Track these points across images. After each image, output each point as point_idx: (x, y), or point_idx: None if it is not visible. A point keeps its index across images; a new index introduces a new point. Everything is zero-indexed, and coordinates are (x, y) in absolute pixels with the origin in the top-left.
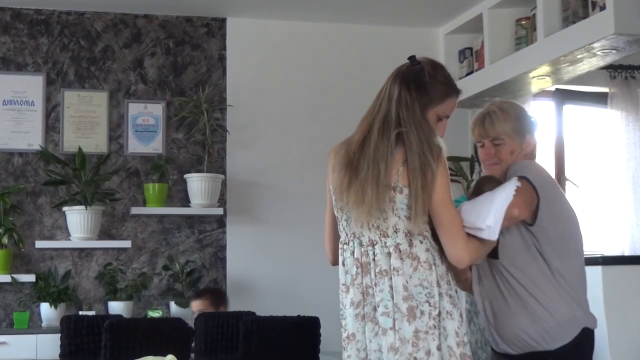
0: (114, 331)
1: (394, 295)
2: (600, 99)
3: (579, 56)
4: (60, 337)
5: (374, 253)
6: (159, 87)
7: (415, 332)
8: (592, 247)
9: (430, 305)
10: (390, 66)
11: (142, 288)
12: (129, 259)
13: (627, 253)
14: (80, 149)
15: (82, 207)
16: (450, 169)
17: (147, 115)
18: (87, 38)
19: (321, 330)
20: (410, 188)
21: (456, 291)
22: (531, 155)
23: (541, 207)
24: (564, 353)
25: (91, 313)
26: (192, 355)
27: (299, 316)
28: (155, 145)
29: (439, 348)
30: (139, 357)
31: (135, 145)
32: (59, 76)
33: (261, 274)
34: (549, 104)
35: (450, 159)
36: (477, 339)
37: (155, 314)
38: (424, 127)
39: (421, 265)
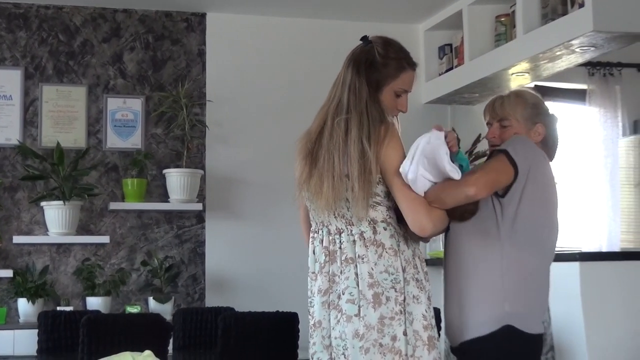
0: (92, 327)
1: (359, 282)
2: (578, 95)
3: (558, 53)
4: (38, 333)
5: (340, 241)
6: (138, 82)
7: (381, 319)
8: (569, 243)
9: (396, 291)
10: None
11: (120, 283)
12: (107, 254)
13: (604, 249)
14: (58, 143)
15: (60, 202)
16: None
17: (126, 110)
18: (66, 32)
19: (300, 326)
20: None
21: (426, 273)
22: (539, 145)
23: (517, 183)
24: (477, 345)
25: (69, 308)
26: (170, 350)
27: (277, 312)
28: (134, 141)
29: (405, 333)
30: (116, 353)
31: (114, 140)
32: (37, 70)
33: (240, 270)
34: None
35: None
36: None
37: (133, 309)
38: (369, 111)
39: (386, 252)
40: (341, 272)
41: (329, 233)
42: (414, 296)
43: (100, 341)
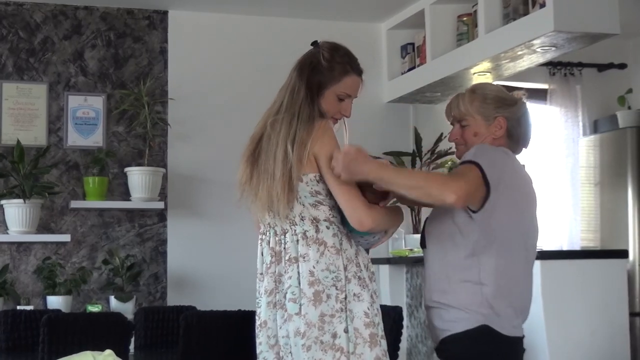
0: (52, 326)
1: (301, 281)
2: (539, 95)
3: (519, 53)
4: None
5: (285, 241)
6: (100, 80)
7: (321, 316)
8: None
9: (337, 289)
10: None
11: (81, 282)
12: (68, 253)
13: (565, 248)
14: (18, 141)
15: (21, 200)
16: (391, 163)
17: (87, 108)
18: (26, 29)
19: None
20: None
21: (373, 273)
22: (504, 139)
23: (491, 197)
24: (452, 342)
25: (29, 308)
26: (132, 349)
27: (239, 310)
28: (96, 139)
29: (345, 330)
30: (77, 352)
31: (75, 138)
32: None
33: (202, 268)
34: None
35: (391, 153)
36: (418, 333)
37: (94, 308)
38: (300, 112)
39: (328, 250)
40: (285, 272)
41: (276, 234)
42: (354, 294)
43: (60, 340)
